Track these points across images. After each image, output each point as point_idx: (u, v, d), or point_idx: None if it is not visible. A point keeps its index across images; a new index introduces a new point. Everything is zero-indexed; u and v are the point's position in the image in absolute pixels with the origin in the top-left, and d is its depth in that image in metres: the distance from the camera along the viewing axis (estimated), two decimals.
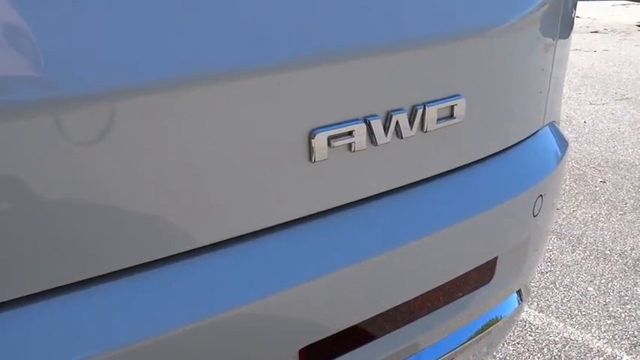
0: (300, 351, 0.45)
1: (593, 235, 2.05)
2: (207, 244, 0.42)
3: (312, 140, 0.45)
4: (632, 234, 2.05)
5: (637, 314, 1.62)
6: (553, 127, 0.70)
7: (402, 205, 0.51)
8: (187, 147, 0.39)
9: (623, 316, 1.62)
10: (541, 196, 0.59)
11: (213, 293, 0.42)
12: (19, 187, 0.34)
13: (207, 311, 0.41)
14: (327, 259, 0.46)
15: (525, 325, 1.58)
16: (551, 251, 1.94)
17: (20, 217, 0.35)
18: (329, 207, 0.48)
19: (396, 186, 0.51)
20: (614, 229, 2.09)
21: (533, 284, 1.76)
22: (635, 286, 1.75)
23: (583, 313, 1.63)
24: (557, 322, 1.60)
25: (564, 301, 1.69)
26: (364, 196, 0.51)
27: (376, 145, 0.49)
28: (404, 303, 0.50)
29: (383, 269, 0.49)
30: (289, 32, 0.42)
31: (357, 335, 0.49)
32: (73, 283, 0.38)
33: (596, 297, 1.70)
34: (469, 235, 0.53)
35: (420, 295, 0.51)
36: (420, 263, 0.51)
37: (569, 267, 1.86)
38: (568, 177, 2.55)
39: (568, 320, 1.60)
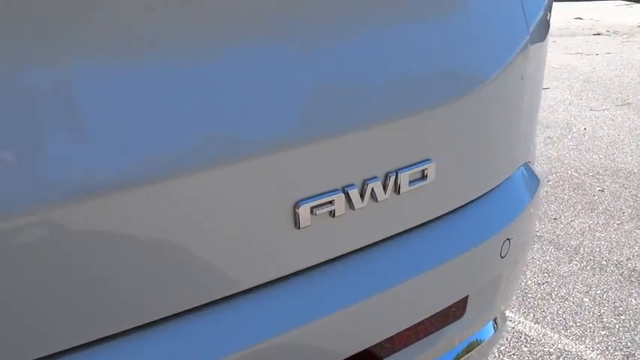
0: None
1: (590, 245, 2.09)
2: (207, 301, 0.48)
3: (297, 210, 0.51)
4: (628, 244, 2.08)
5: (630, 325, 1.66)
6: (526, 167, 0.75)
7: (375, 258, 0.57)
8: (194, 224, 0.46)
9: (617, 327, 1.66)
10: (508, 239, 0.64)
11: (211, 343, 0.48)
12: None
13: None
14: (308, 309, 0.52)
15: (521, 337, 1.63)
16: (548, 262, 1.99)
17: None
18: (312, 264, 0.54)
19: (373, 241, 0.57)
20: (611, 239, 2.12)
21: (530, 295, 1.81)
22: (630, 297, 1.78)
23: (578, 324, 1.68)
24: (552, 334, 1.64)
25: (560, 312, 1.73)
26: (343, 253, 0.56)
27: (354, 209, 0.55)
28: (379, 341, 0.56)
29: (359, 315, 0.54)
30: (272, 122, 0.49)
31: None
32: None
33: (591, 308, 1.75)
34: (439, 279, 0.58)
35: (395, 334, 0.57)
36: (393, 308, 0.56)
37: (566, 278, 1.90)
38: (567, 186, 2.59)
39: (563, 331, 1.65)
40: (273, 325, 0.50)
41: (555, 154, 2.97)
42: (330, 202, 0.53)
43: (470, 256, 0.59)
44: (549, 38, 0.82)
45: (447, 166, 0.60)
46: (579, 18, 8.07)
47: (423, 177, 0.59)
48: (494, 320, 0.72)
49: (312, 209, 0.52)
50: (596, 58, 5.31)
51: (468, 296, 0.61)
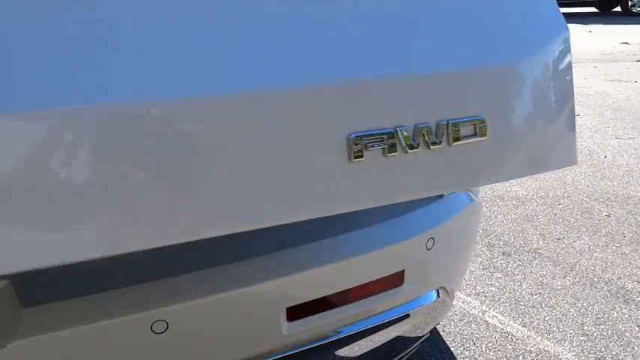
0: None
1: (586, 264, 2.30)
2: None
3: (351, 142, 0.57)
4: (622, 265, 2.28)
5: (608, 334, 1.88)
6: (466, 192, 1.06)
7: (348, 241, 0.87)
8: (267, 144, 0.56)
9: (595, 334, 1.89)
10: (432, 238, 0.94)
11: None
12: None
13: None
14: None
15: (507, 336, 1.89)
16: (544, 276, 2.22)
17: None
18: (362, 206, 0.64)
19: (420, 195, 0.72)
20: (606, 259, 2.33)
21: (522, 303, 2.06)
22: (613, 310, 2.00)
23: (560, 329, 1.92)
24: (536, 336, 1.89)
25: (546, 319, 1.97)
26: (392, 200, 0.66)
27: (406, 152, 0.61)
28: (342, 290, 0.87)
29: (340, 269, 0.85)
30: (341, 53, 0.57)
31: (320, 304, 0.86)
32: None
33: (575, 317, 1.98)
34: (384, 255, 0.89)
35: (356, 287, 0.88)
36: (355, 270, 0.87)
37: (557, 291, 2.13)
38: (576, 210, 2.79)
39: (545, 335, 1.89)
40: None
41: (571, 179, 3.16)
42: (383, 139, 0.59)
43: (403, 245, 0.90)
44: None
45: (500, 128, 0.67)
46: (626, 43, 8.03)
47: (476, 133, 0.65)
48: (437, 292, 1.02)
49: (365, 143, 0.58)
50: (634, 85, 5.37)
51: (404, 270, 0.92)
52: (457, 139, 0.65)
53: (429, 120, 0.63)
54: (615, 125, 4.14)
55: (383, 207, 0.97)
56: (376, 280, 0.89)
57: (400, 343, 1.06)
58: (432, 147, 0.64)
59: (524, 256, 2.38)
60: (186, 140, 0.54)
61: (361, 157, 0.60)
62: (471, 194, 1.11)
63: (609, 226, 2.61)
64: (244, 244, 0.83)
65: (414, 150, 0.63)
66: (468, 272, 2.23)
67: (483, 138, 0.67)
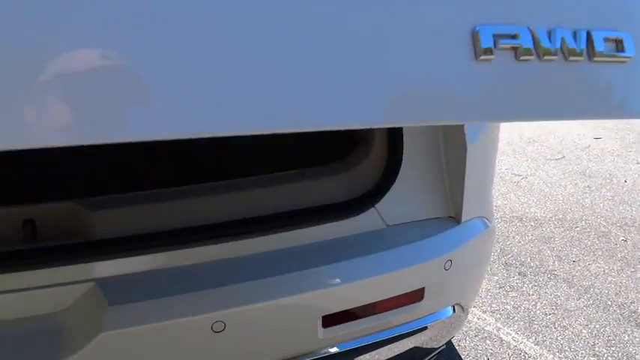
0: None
1: (600, 287, 2.38)
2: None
3: (477, 36, 0.48)
4: (636, 289, 2.35)
5: (618, 356, 1.96)
6: (481, 219, 1.18)
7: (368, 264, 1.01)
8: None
9: (606, 356, 1.97)
10: (450, 260, 1.06)
11: None
12: None
13: None
14: None
15: (521, 354, 1.98)
16: (558, 297, 2.31)
17: None
18: (489, 117, 0.59)
19: (549, 117, 0.66)
20: (621, 283, 2.40)
21: (536, 322, 2.15)
22: (624, 333, 2.08)
23: (572, 349, 2.00)
24: (548, 354, 1.98)
25: (559, 338, 2.06)
26: (517, 117, 0.57)
27: (540, 57, 0.51)
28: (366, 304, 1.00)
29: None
30: None
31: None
32: None
33: (587, 338, 2.06)
34: (407, 274, 1.02)
35: (382, 300, 1.01)
36: (378, 288, 1.00)
37: (571, 312, 2.21)
38: (593, 233, 2.86)
39: (558, 354, 1.98)
40: None
41: (589, 202, 3.23)
42: (516, 37, 0.50)
43: (424, 265, 1.03)
44: None
45: None
46: None
47: (619, 49, 0.55)
48: (453, 307, 1.14)
49: (494, 39, 0.49)
50: None
51: (424, 287, 1.04)
52: (599, 54, 0.55)
53: (569, 25, 0.53)
54: (638, 149, 4.17)
55: (406, 230, 1.10)
56: (399, 295, 1.02)
57: (418, 353, 1.18)
58: (570, 58, 0.53)
59: (540, 276, 2.46)
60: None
61: (489, 55, 0.50)
62: (486, 220, 1.23)
63: (625, 251, 2.67)
64: (290, 259, 0.97)
65: (551, 57, 0.53)
66: (484, 290, 2.33)
67: (628, 56, 0.57)
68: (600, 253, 2.66)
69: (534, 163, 3.86)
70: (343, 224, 1.07)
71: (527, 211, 3.13)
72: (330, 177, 1.15)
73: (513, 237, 2.81)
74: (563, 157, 4.04)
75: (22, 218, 1.01)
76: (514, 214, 3.07)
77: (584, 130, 4.71)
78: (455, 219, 1.16)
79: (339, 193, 1.12)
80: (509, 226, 2.91)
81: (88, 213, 1.03)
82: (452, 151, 1.14)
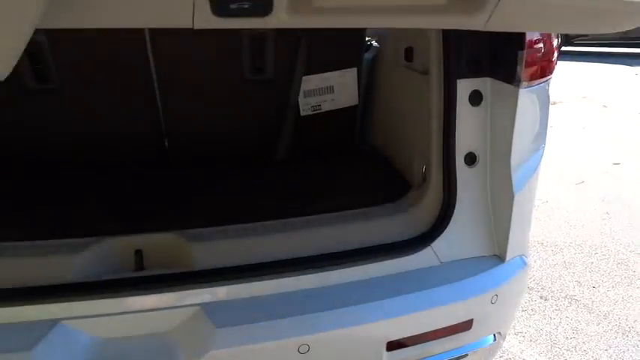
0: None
1: (619, 313, 2.51)
2: None
3: None
4: None
5: None
6: (521, 258, 1.34)
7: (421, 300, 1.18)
8: None
9: None
10: (496, 294, 1.21)
11: None
12: None
13: None
14: None
15: None
16: (579, 322, 2.44)
17: None
18: None
19: None
20: (639, 310, 2.53)
21: (557, 346, 2.28)
22: None
23: None
24: None
25: None
26: None
27: None
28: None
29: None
30: None
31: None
32: None
33: None
34: (460, 308, 1.18)
35: (438, 329, 1.16)
36: (433, 319, 1.16)
37: (591, 337, 2.35)
38: (612, 260, 2.99)
39: None
40: None
41: (609, 229, 3.35)
42: None
43: (475, 300, 1.18)
44: None
45: None
46: None
47: None
48: (494, 335, 1.30)
49: None
50: None
51: (473, 319, 1.20)
52: None
53: None
54: None
55: (457, 267, 1.26)
56: (452, 325, 1.18)
57: None
58: None
59: (561, 301, 2.60)
60: None
61: None
62: (525, 258, 1.39)
63: None
64: (361, 292, 1.14)
65: None
66: None
67: None
68: (619, 279, 2.79)
69: (555, 188, 3.99)
70: (404, 260, 1.23)
71: (547, 236, 3.26)
72: (393, 218, 1.32)
73: (535, 261, 2.95)
74: (583, 182, 4.16)
75: (133, 248, 1.19)
76: (535, 239, 3.20)
77: (603, 154, 4.82)
78: (499, 257, 1.32)
79: (400, 232, 1.29)
80: (531, 250, 3.05)
81: (188, 244, 1.21)
82: (499, 200, 1.30)
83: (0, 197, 1.44)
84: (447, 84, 1.26)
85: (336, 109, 1.83)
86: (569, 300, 2.61)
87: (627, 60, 11.64)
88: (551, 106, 1.40)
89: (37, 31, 1.53)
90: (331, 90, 1.79)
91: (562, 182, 4.13)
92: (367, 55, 1.92)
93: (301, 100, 1.75)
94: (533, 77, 1.24)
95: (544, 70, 1.26)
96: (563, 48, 12.41)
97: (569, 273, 2.86)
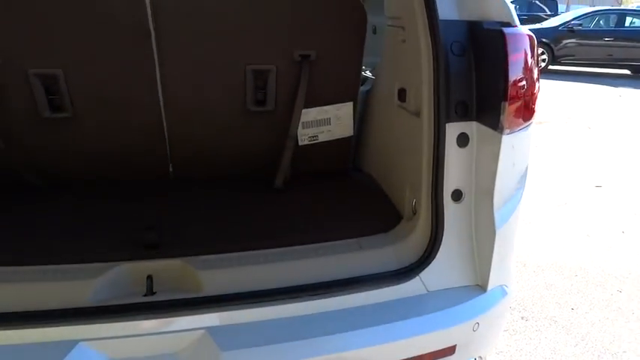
0: None
1: (595, 335, 2.63)
2: None
3: None
4: (628, 339, 2.61)
5: None
6: (501, 288, 1.45)
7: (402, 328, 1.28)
8: None
9: None
10: (477, 322, 1.32)
11: None
12: None
13: None
14: None
15: None
16: (557, 343, 2.56)
17: None
18: None
19: None
20: (615, 332, 2.66)
21: None
22: None
23: None
24: None
25: None
26: None
27: None
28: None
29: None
30: None
31: None
32: None
33: None
34: (443, 334, 1.28)
35: (424, 354, 1.26)
36: (420, 345, 1.26)
37: (569, 357, 2.46)
38: (591, 282, 3.12)
39: None
40: None
41: (588, 252, 3.50)
42: None
43: (458, 328, 1.28)
44: None
45: None
46: None
47: None
48: (475, 359, 1.40)
49: None
50: None
51: (456, 344, 1.30)
52: None
53: None
54: (637, 200, 4.45)
55: (443, 296, 1.37)
56: (436, 350, 1.28)
57: None
58: None
59: (541, 322, 2.72)
60: None
61: None
62: (506, 287, 1.50)
63: (620, 302, 2.93)
64: (351, 319, 1.24)
65: None
66: None
67: None
68: (597, 302, 2.92)
69: (538, 209, 4.14)
70: (395, 288, 1.34)
71: (530, 257, 3.39)
72: (385, 249, 1.43)
73: (517, 282, 3.07)
74: (566, 203, 4.32)
75: (145, 274, 1.28)
76: (519, 260, 3.33)
77: (586, 176, 5.00)
78: (481, 287, 1.44)
79: (392, 262, 1.39)
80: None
81: (194, 271, 1.30)
82: (482, 234, 1.42)
83: (20, 222, 1.53)
84: (437, 127, 1.37)
85: (332, 139, 1.93)
86: (549, 321, 2.73)
87: (611, 81, 11.98)
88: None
89: (53, 65, 1.62)
90: (328, 122, 1.90)
91: (545, 203, 4.28)
92: (363, 88, 2.03)
93: (300, 130, 1.86)
94: (515, 124, 1.35)
95: (526, 117, 1.38)
96: (550, 67, 12.74)
97: (549, 294, 2.98)
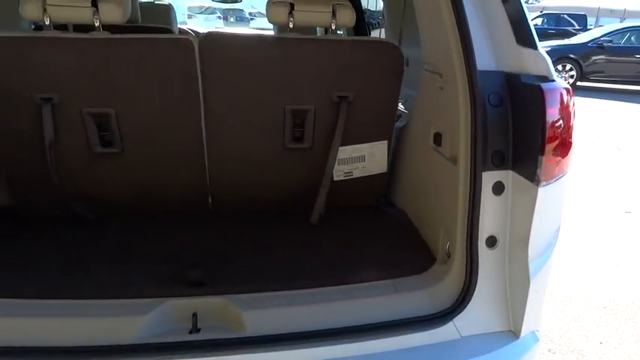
0: None
1: None
2: None
3: None
4: None
5: None
6: (532, 334, 1.47)
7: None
8: None
9: None
10: None
11: None
12: None
13: None
14: None
15: None
16: None
17: None
18: None
19: None
20: None
21: None
22: None
23: None
24: None
25: None
26: None
27: None
28: None
29: None
30: None
31: None
32: None
33: None
34: None
35: None
36: None
37: None
38: (620, 315, 3.08)
39: None
40: None
41: (618, 282, 3.45)
42: None
43: None
44: None
45: None
46: None
47: None
48: None
49: None
50: None
51: None
52: None
53: None
54: None
55: (476, 342, 1.40)
56: None
57: None
58: None
59: (568, 355, 2.70)
60: None
61: None
62: (537, 333, 1.52)
63: None
64: None
65: None
66: None
67: None
68: (626, 336, 2.89)
69: (566, 236, 4.10)
70: (429, 333, 1.38)
71: (558, 286, 3.36)
72: (419, 292, 1.47)
73: (545, 313, 3.05)
74: (594, 230, 4.26)
75: (190, 311, 1.35)
76: (547, 289, 3.31)
77: (615, 201, 4.92)
78: (514, 333, 1.46)
79: (426, 306, 1.43)
80: None
81: (237, 310, 1.36)
82: (515, 281, 1.44)
83: (70, 255, 1.62)
84: (474, 175, 1.41)
85: (366, 175, 1.99)
86: (577, 355, 2.71)
87: (629, 97, 11.73)
88: None
89: (106, 105, 1.73)
90: (362, 159, 1.95)
91: (573, 230, 4.24)
92: (397, 124, 2.08)
93: (335, 167, 1.92)
94: (551, 176, 1.38)
95: (562, 168, 1.41)
96: (578, 83, 12.56)
97: (577, 326, 2.96)
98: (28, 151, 1.73)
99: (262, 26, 10.95)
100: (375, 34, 4.42)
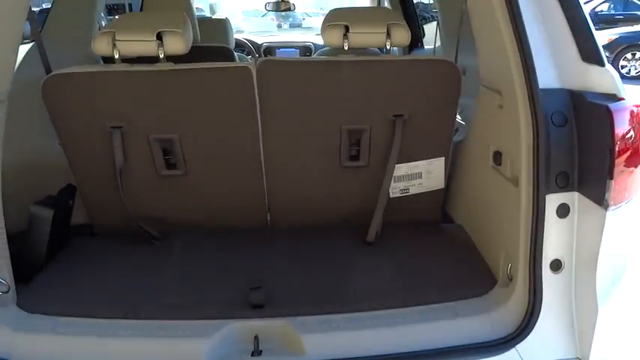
0: None
1: None
2: None
3: None
4: None
5: None
6: None
7: None
8: None
9: None
10: None
11: None
12: None
13: None
14: None
15: None
16: None
17: None
18: None
19: None
20: None
21: None
22: None
23: None
24: None
25: None
26: None
27: None
28: None
29: None
30: None
31: None
32: None
33: None
34: None
35: None
36: None
37: None
38: None
39: None
40: None
41: None
42: None
43: None
44: None
45: None
46: None
47: None
48: None
49: None
50: None
51: None
52: None
53: None
54: None
55: None
56: None
57: None
58: None
59: None
60: None
61: None
62: None
63: None
64: None
65: None
66: None
67: None
68: None
69: None
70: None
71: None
72: (479, 316, 1.44)
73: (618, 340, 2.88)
74: None
75: (252, 333, 1.40)
76: None
77: None
78: None
79: (487, 332, 1.41)
80: None
81: (297, 334, 1.40)
82: (583, 307, 1.39)
83: (136, 273, 1.72)
84: (537, 198, 1.36)
85: (423, 192, 1.97)
86: None
87: None
88: None
89: (171, 131, 1.82)
90: (419, 176, 1.93)
91: None
92: (455, 138, 2.05)
93: (391, 184, 1.92)
94: (620, 200, 1.32)
95: (632, 192, 1.34)
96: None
97: None
98: (100, 175, 1.86)
99: (312, 25, 11.04)
100: (427, 28, 4.29)
